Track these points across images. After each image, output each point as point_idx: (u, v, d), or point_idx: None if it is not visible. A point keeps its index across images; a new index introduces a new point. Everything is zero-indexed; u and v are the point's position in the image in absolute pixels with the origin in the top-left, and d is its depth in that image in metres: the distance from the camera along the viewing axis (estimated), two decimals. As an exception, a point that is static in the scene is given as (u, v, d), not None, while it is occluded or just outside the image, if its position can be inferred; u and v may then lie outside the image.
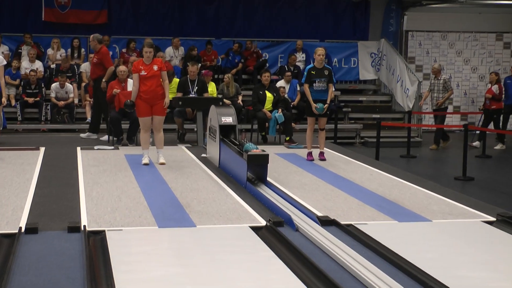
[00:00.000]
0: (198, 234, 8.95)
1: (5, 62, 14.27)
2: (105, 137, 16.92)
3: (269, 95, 18.09)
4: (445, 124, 22.01)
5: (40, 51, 21.46)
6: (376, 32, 25.16)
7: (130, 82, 16.83)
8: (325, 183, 12.49)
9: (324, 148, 15.01)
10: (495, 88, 21.08)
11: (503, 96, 21.41)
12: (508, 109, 21.40)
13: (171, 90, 18.33)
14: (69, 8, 22.83)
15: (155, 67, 13.26)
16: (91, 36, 17.99)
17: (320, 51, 14.58)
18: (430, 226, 9.69)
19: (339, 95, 23.12)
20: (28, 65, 20.67)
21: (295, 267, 7.48)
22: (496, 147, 20.44)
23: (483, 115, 21.63)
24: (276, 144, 17.42)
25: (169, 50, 22.13)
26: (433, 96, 20.86)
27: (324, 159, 14.73)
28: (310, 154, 14.89)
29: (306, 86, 14.50)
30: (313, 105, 14.33)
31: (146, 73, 13.16)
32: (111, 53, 21.52)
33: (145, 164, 13.47)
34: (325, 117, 14.76)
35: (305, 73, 14.62)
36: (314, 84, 14.38)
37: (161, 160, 13.47)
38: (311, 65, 15.06)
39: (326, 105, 14.41)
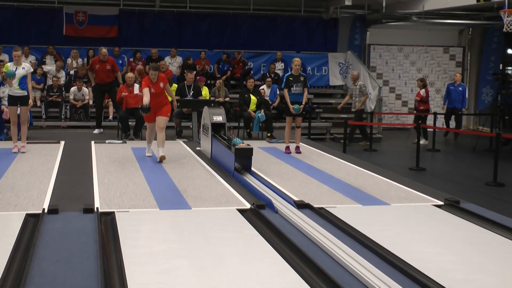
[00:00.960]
0: (193, 215, 8.93)
1: (32, 70, 14.24)
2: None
3: (253, 98, 18.13)
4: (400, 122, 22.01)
5: (61, 60, 21.42)
6: (344, 45, 25.15)
7: (136, 86, 16.85)
8: (300, 172, 12.47)
9: (300, 143, 15.01)
10: (422, 92, 21.19)
11: (447, 100, 21.44)
12: (449, 112, 21.47)
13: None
14: (86, 24, 22.79)
15: (161, 84, 13.16)
16: (104, 49, 18.05)
17: (297, 61, 14.63)
18: (388, 209, 9.69)
19: (312, 98, 23.07)
20: (54, 73, 20.70)
21: (275, 243, 7.47)
22: (421, 142, 20.45)
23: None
24: (259, 139, 17.38)
25: (167, 59, 22.13)
26: (353, 100, 20.87)
27: (299, 152, 14.72)
28: (287, 148, 14.92)
29: (285, 91, 14.51)
30: (291, 106, 14.37)
31: (154, 91, 13.04)
32: (120, 61, 21.58)
33: (148, 156, 13.54)
34: (301, 117, 14.81)
35: (284, 79, 14.69)
36: (292, 88, 14.43)
37: (161, 154, 13.04)
38: (289, 72, 15.11)
39: (301, 106, 14.46)
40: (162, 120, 13.33)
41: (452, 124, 22.00)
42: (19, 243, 7.21)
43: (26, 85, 13.65)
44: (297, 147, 14.89)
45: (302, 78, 14.56)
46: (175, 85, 18.53)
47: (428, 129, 21.00)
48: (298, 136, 15.03)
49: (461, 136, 21.66)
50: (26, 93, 13.64)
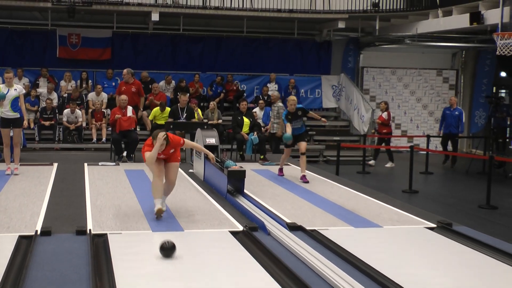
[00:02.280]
0: (186, 237, 8.94)
1: (24, 91, 14.27)
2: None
3: (246, 120, 18.17)
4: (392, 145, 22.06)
5: (54, 82, 21.47)
6: (337, 67, 25.25)
7: (129, 108, 16.86)
8: (293, 194, 12.50)
9: (293, 165, 14.99)
10: (384, 115, 21.19)
11: (443, 125, 21.30)
12: (446, 137, 21.32)
13: (164, 118, 18.44)
14: (79, 47, 22.84)
15: (172, 151, 10.24)
16: (125, 70, 18.32)
17: (292, 100, 14.40)
18: (381, 231, 9.72)
19: (305, 120, 23.08)
20: (45, 94, 20.74)
21: (267, 265, 7.50)
22: (386, 165, 20.43)
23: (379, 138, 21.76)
24: (252, 161, 17.41)
25: (162, 84, 22.15)
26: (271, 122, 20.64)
27: (307, 182, 13.98)
28: (281, 170, 14.84)
29: (287, 124, 14.23)
30: (288, 131, 14.12)
31: (163, 156, 10.19)
32: (113, 84, 21.66)
33: (160, 212, 9.87)
34: (304, 141, 14.54)
35: (284, 117, 14.40)
36: (292, 124, 14.20)
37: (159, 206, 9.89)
38: (286, 111, 14.57)
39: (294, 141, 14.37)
40: (174, 167, 10.54)
41: (450, 149, 21.95)
42: (12, 265, 7.23)
43: (18, 107, 13.68)
44: (303, 176, 14.17)
45: (300, 112, 14.40)
46: (168, 108, 18.68)
47: (420, 152, 21.07)
48: (303, 164, 14.37)
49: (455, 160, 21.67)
50: (18, 115, 13.67)
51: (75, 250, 8.04)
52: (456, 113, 20.96)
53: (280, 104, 18.47)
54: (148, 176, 13.39)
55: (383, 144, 21.29)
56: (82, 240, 8.49)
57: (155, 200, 9.93)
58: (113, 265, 7.24)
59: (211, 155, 11.11)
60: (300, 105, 14.90)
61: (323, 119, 15.69)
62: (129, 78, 18.26)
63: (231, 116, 19.86)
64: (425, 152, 20.15)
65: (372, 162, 20.54)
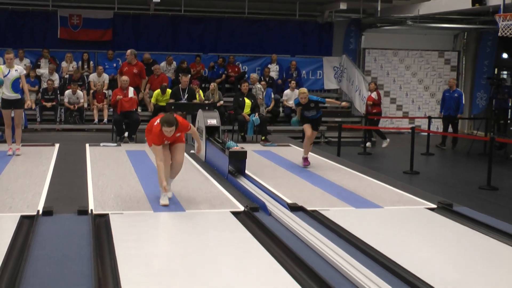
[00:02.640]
0: (187, 217, 8.97)
1: (25, 72, 14.29)
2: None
3: (247, 101, 18.14)
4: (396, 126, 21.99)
5: (55, 63, 21.44)
6: (338, 49, 25.18)
7: (131, 89, 16.88)
8: (294, 175, 12.53)
9: (294, 146, 14.96)
10: (374, 94, 21.03)
11: (443, 108, 21.19)
12: (446, 119, 21.24)
13: (165, 101, 18.43)
14: (80, 28, 22.76)
15: (178, 134, 9.87)
16: (129, 50, 18.28)
17: (302, 93, 13.60)
18: (382, 212, 9.74)
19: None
20: (47, 75, 20.71)
21: (268, 246, 7.52)
22: (383, 145, 20.34)
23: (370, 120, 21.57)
24: (253, 142, 17.42)
25: (163, 65, 22.10)
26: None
27: (307, 164, 13.71)
28: (305, 159, 13.80)
29: (297, 108, 13.94)
30: (299, 115, 13.91)
31: (169, 142, 9.89)
32: (114, 65, 21.65)
33: (164, 205, 9.54)
34: (315, 131, 14.07)
35: (295, 104, 14.18)
36: (305, 113, 13.73)
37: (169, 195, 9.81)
38: (297, 100, 13.86)
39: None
40: (180, 148, 10.18)
41: (451, 131, 21.87)
42: (14, 245, 7.26)
43: (19, 88, 13.68)
44: (305, 159, 13.86)
45: (312, 104, 13.65)
46: (169, 90, 18.69)
47: (422, 133, 21.05)
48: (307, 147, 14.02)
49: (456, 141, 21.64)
50: (19, 96, 13.68)
51: (77, 230, 8.07)
52: (456, 95, 20.82)
53: (259, 85, 18.46)
54: (150, 157, 13.40)
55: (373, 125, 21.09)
56: (83, 220, 8.50)
57: (161, 189, 9.56)
58: (114, 245, 7.26)
59: (199, 148, 10.87)
60: (315, 97, 13.99)
61: (343, 103, 15.82)
62: (132, 59, 18.24)
63: (232, 97, 19.85)
64: (426, 134, 20.12)
65: (368, 144, 20.47)
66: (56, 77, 20.90)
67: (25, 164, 12.81)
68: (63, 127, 19.74)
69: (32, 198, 9.75)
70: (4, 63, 13.83)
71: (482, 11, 21.51)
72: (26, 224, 8.25)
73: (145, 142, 14.43)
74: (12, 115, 13.84)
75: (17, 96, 13.65)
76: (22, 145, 14.25)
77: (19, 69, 13.78)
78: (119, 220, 8.55)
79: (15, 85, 13.60)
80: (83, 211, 8.88)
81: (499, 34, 16.53)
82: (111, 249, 7.16)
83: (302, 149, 14.37)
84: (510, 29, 16.19)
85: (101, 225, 8.31)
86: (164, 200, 9.54)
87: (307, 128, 13.81)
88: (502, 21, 16.30)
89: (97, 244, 7.29)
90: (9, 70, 13.53)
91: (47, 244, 7.42)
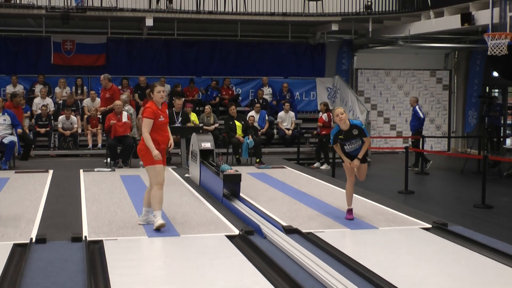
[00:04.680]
0: (182, 242, 8.91)
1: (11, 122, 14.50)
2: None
3: (238, 123, 18.14)
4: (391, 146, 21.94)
5: (46, 88, 21.39)
6: (331, 70, 25.23)
7: (124, 114, 16.82)
8: (289, 197, 12.47)
9: (289, 168, 14.88)
10: (324, 116, 20.93)
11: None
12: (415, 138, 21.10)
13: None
14: (74, 53, 22.79)
15: (167, 111, 9.80)
16: (102, 76, 18.15)
17: (338, 110, 10.36)
18: (377, 232, 9.69)
19: (301, 123, 23.11)
20: (40, 101, 20.64)
21: (263, 269, 7.47)
22: (322, 167, 20.16)
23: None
24: (248, 165, 17.37)
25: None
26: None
27: (351, 218, 10.48)
28: (349, 212, 10.54)
29: (336, 147, 10.64)
30: (346, 160, 10.57)
31: (163, 119, 9.54)
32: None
33: (160, 225, 9.31)
34: (364, 163, 10.92)
35: (332, 137, 10.58)
36: (345, 147, 10.55)
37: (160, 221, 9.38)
38: (337, 128, 10.43)
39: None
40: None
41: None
42: (6, 273, 7.19)
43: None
44: (349, 211, 10.61)
45: (356, 131, 10.33)
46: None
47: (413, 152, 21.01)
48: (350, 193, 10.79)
49: (450, 159, 21.60)
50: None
51: (71, 257, 7.99)
52: (413, 112, 20.85)
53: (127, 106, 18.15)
54: (144, 181, 13.33)
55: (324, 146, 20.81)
56: (77, 247, 8.43)
57: (156, 212, 9.44)
58: (109, 272, 7.21)
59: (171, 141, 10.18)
60: (355, 121, 10.71)
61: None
62: (106, 84, 17.91)
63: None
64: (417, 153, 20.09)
65: (317, 164, 20.32)
66: (49, 101, 20.82)
67: (19, 191, 12.74)
68: (57, 153, 19.68)
69: (25, 225, 9.67)
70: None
71: (471, 31, 21.65)
72: (19, 252, 8.17)
73: (140, 166, 14.44)
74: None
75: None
76: (16, 172, 14.21)
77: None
78: (113, 246, 8.47)
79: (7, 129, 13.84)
80: (77, 238, 8.81)
81: (488, 52, 16.64)
82: (106, 276, 7.10)
83: (296, 171, 14.31)
84: (499, 48, 16.28)
85: (95, 252, 8.24)
86: (159, 220, 9.30)
87: (349, 169, 10.71)
88: (491, 40, 16.40)
89: (91, 271, 7.22)
90: None
91: (40, 272, 7.34)
